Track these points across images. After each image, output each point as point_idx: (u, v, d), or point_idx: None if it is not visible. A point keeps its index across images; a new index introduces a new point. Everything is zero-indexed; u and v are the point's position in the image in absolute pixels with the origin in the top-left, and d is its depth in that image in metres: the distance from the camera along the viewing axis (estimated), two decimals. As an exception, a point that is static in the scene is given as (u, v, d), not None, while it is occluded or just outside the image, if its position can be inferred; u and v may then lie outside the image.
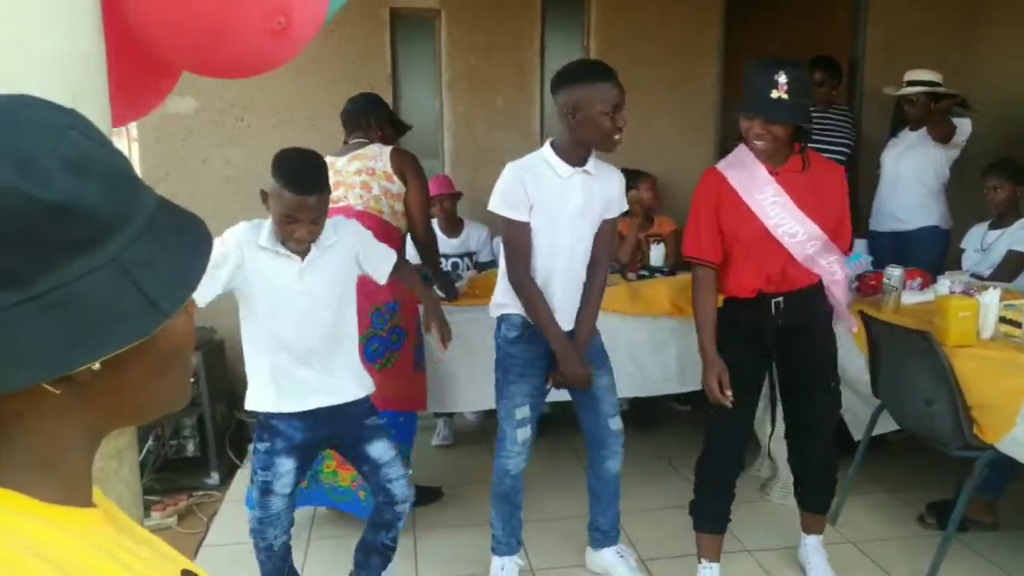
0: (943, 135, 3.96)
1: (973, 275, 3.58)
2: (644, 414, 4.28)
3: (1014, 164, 3.76)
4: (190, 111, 4.21)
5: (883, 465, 3.56)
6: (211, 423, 3.70)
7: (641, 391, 3.52)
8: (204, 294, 2.17)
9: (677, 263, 3.99)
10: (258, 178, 4.33)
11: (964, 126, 3.99)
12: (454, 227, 4.21)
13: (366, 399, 2.38)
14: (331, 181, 2.95)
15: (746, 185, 2.46)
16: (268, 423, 2.28)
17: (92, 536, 0.64)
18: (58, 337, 0.57)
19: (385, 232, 2.95)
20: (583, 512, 2.92)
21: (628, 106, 2.45)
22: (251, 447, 3.84)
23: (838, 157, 4.32)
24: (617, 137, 2.41)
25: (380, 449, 2.36)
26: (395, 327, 3.01)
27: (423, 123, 4.39)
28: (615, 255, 3.97)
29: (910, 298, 3.22)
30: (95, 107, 1.53)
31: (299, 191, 2.11)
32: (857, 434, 3.21)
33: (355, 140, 3.19)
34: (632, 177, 4.22)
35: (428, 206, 3.18)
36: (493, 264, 4.13)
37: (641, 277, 3.72)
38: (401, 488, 2.39)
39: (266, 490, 2.28)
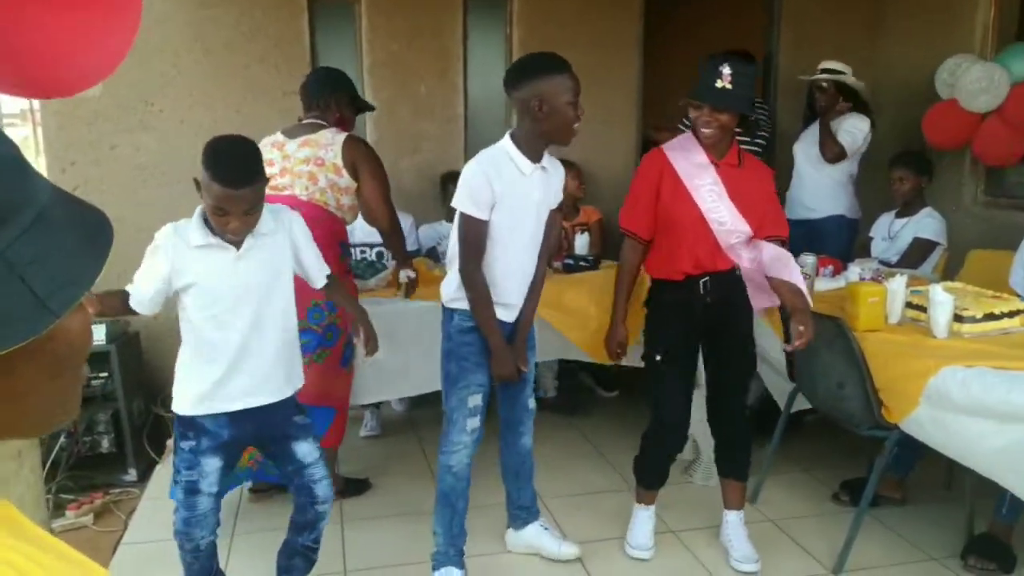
0: (834, 156, 4.12)
1: (881, 262, 3.74)
2: (571, 400, 4.33)
3: (918, 155, 3.94)
4: (95, 94, 4.02)
5: (800, 446, 3.70)
6: (127, 418, 3.58)
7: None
8: (150, 305, 2.16)
9: (601, 252, 4.04)
10: (171, 164, 4.22)
11: (861, 129, 4.12)
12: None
13: (294, 397, 2.33)
14: (278, 167, 2.92)
15: (687, 170, 2.62)
16: (193, 421, 2.20)
17: None
18: None
19: (330, 225, 2.90)
20: (496, 501, 2.94)
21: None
22: (170, 442, 3.75)
23: (755, 149, 4.45)
24: (576, 127, 2.46)
25: (305, 449, 2.31)
26: (331, 324, 2.96)
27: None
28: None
29: (823, 285, 3.34)
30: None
31: (230, 184, 2.01)
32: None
33: (309, 119, 3.04)
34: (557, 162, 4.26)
35: (387, 194, 3.05)
36: (417, 253, 4.10)
37: (566, 266, 3.75)
38: (324, 489, 2.34)
39: (192, 489, 2.21)
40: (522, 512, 2.91)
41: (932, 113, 4.19)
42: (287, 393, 2.29)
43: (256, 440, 2.34)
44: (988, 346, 2.58)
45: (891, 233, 3.95)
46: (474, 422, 2.62)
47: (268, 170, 2.85)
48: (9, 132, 0.62)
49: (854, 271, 3.34)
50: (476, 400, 2.61)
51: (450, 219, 4.18)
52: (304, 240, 2.32)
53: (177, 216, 2.24)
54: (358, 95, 3.21)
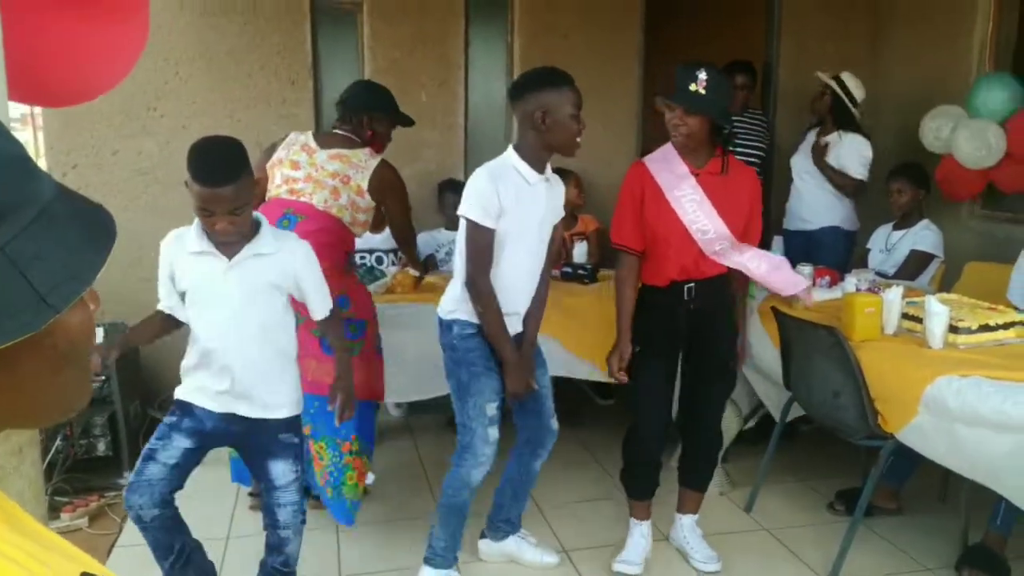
0: (855, 190, 4.15)
1: (878, 274, 3.74)
2: (568, 408, 4.32)
3: (916, 168, 3.95)
4: (100, 99, 4.04)
5: (795, 455, 3.70)
6: (123, 421, 3.58)
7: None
8: (179, 308, 2.25)
9: (600, 261, 4.05)
10: (172, 170, 4.23)
11: (867, 156, 4.14)
12: (379, 223, 4.17)
13: (289, 418, 2.30)
14: (303, 172, 2.88)
15: (667, 181, 2.64)
16: (184, 402, 2.24)
17: None
18: None
19: (340, 233, 2.90)
20: (480, 509, 2.94)
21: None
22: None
23: (753, 160, 4.46)
24: (579, 140, 2.48)
25: (280, 470, 2.27)
26: (349, 319, 2.87)
27: (346, 117, 4.34)
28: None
29: (819, 295, 3.35)
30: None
31: (208, 183, 2.01)
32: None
33: (343, 131, 3.00)
34: (557, 175, 4.27)
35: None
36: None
37: (564, 274, 3.77)
38: (286, 515, 2.29)
39: (149, 456, 2.19)
40: (507, 525, 2.91)
41: (941, 172, 4.12)
42: (272, 415, 2.25)
43: (236, 444, 2.35)
44: (983, 357, 2.58)
45: (888, 245, 3.97)
46: (494, 432, 2.59)
47: (291, 173, 2.87)
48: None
49: (851, 282, 3.35)
50: (493, 408, 2.57)
51: (448, 227, 4.22)
52: (308, 271, 2.27)
53: (177, 221, 2.26)
54: (398, 111, 3.16)
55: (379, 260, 4.00)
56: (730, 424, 3.26)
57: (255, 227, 2.18)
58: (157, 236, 2.26)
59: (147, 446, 2.23)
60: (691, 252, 2.65)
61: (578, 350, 3.36)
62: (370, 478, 3.29)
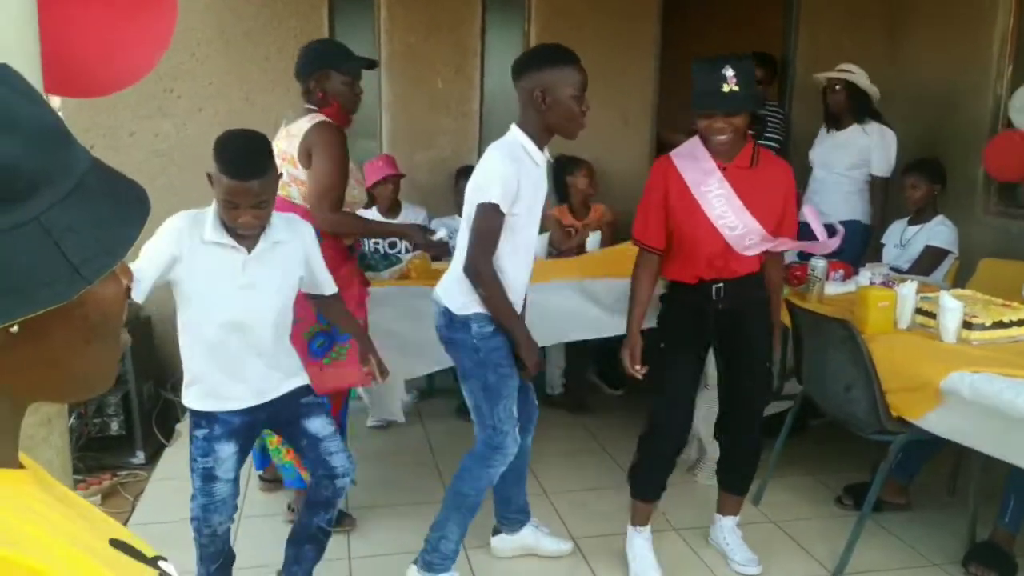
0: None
1: (892, 268, 3.73)
2: (576, 397, 4.34)
3: (932, 164, 3.92)
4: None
5: (804, 449, 3.69)
6: (137, 401, 3.62)
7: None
8: (141, 291, 2.09)
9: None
10: (188, 151, 4.25)
11: (892, 148, 4.12)
12: (393, 209, 4.18)
13: (300, 386, 2.33)
14: None
15: (694, 177, 2.55)
16: (203, 411, 2.23)
17: (19, 496, 0.62)
18: None
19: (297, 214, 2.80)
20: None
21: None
22: (178, 426, 3.79)
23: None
24: (583, 121, 2.41)
25: (319, 424, 2.31)
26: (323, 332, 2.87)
27: (362, 102, 4.35)
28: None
29: (833, 289, 3.34)
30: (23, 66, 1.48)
31: (237, 176, 2.02)
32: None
33: (307, 105, 2.83)
34: (569, 164, 4.27)
35: (329, 193, 2.68)
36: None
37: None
38: (342, 461, 2.31)
39: (209, 476, 2.21)
40: (520, 515, 2.90)
41: (993, 150, 4.05)
42: (286, 389, 2.29)
43: (269, 424, 2.35)
44: (996, 353, 2.58)
45: (903, 240, 3.94)
46: (517, 431, 2.58)
47: None
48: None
49: (864, 275, 3.34)
50: (515, 407, 2.55)
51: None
52: (315, 251, 2.32)
53: (194, 202, 2.25)
54: (344, 60, 2.82)
55: (392, 245, 4.01)
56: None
57: None
58: (172, 216, 2.24)
59: (199, 466, 2.22)
60: (720, 249, 2.56)
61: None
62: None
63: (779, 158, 2.81)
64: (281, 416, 2.31)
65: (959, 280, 3.80)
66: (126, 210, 0.65)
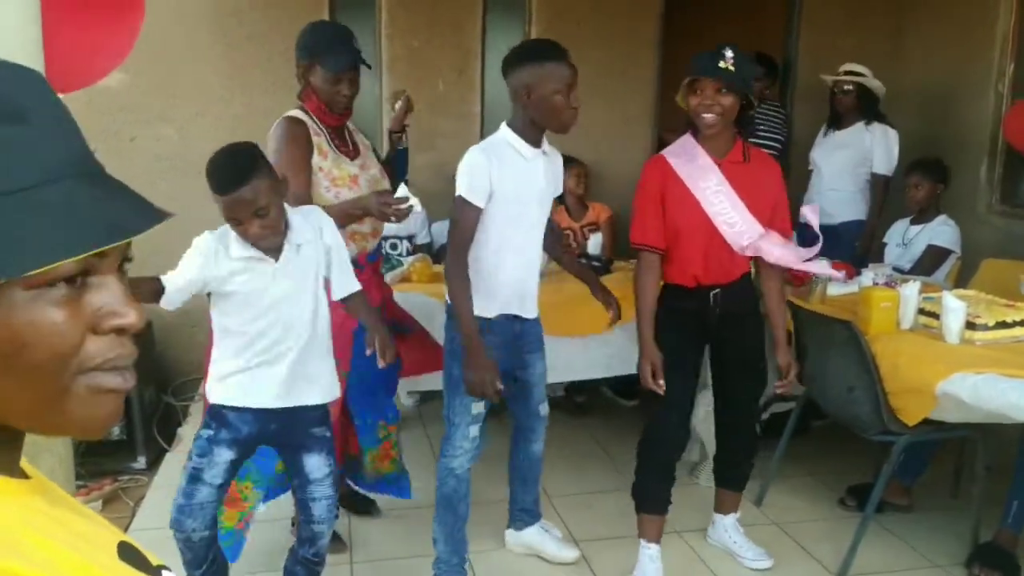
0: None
1: (895, 268, 3.72)
2: (578, 399, 4.33)
3: (934, 163, 3.92)
4: (119, 85, 4.07)
5: (807, 450, 3.69)
6: (138, 406, 3.61)
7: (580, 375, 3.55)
8: (173, 302, 2.13)
9: (613, 253, 4.04)
10: (189, 156, 4.24)
11: (894, 148, 4.13)
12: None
13: (321, 407, 2.29)
14: None
15: (690, 174, 2.52)
16: (219, 411, 2.21)
17: (22, 506, 0.62)
18: None
19: None
20: (501, 496, 2.94)
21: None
22: (179, 431, 3.78)
23: (770, 151, 4.44)
24: (572, 117, 2.40)
25: (315, 463, 2.27)
26: (390, 320, 2.73)
27: (362, 104, 4.33)
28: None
29: (835, 289, 3.33)
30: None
31: (221, 190, 2.01)
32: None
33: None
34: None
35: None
36: (430, 249, 4.12)
37: (578, 265, 3.76)
38: (321, 509, 2.29)
39: (195, 477, 2.19)
40: (524, 514, 2.90)
41: (1015, 119, 4.00)
42: (313, 400, 2.25)
43: (274, 441, 2.32)
44: (999, 353, 2.57)
45: (905, 240, 3.94)
46: (475, 430, 2.56)
47: None
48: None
49: (867, 276, 3.33)
50: (479, 407, 2.54)
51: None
52: (336, 244, 2.26)
53: (195, 208, 2.24)
54: (329, 59, 2.55)
55: (393, 247, 4.01)
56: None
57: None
58: (175, 223, 2.20)
59: (191, 464, 2.20)
60: (718, 248, 2.54)
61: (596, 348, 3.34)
62: None
63: (768, 155, 2.81)
64: (288, 438, 2.28)
65: (961, 280, 3.79)
66: (89, 226, 0.58)
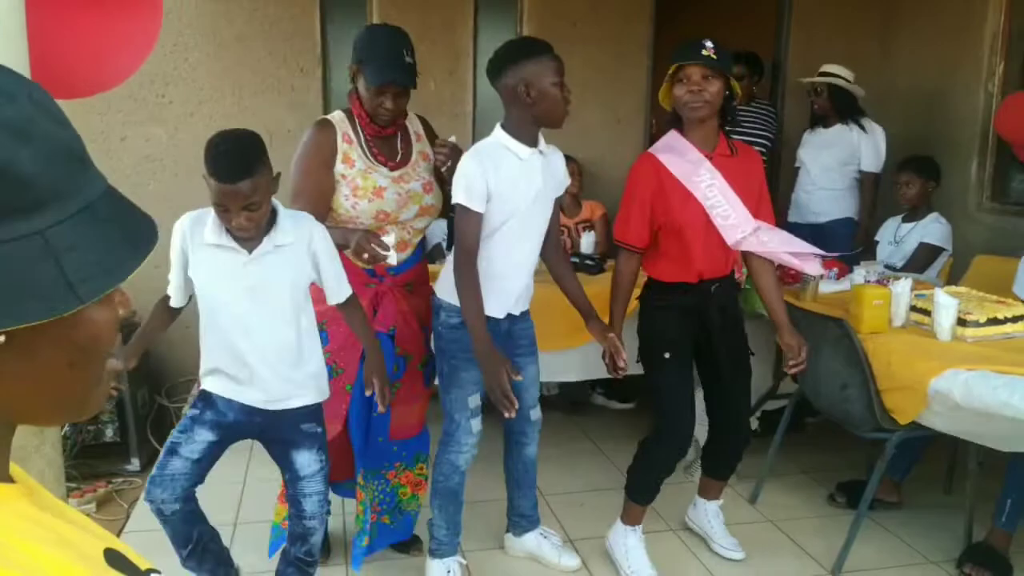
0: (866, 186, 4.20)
1: (887, 266, 3.74)
2: (571, 398, 4.33)
3: (925, 161, 3.93)
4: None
5: (801, 447, 3.70)
6: (131, 408, 3.60)
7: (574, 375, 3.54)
8: (177, 296, 2.21)
9: (607, 250, 4.04)
10: (180, 157, 4.24)
11: (881, 144, 4.15)
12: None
13: (312, 406, 2.27)
14: None
15: (682, 169, 2.53)
16: (208, 394, 2.22)
17: (10, 511, 0.62)
18: None
19: None
20: (500, 496, 2.94)
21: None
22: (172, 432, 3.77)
23: (759, 148, 4.45)
24: (566, 108, 2.42)
25: (305, 459, 2.26)
26: (397, 356, 2.64)
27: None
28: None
29: (827, 287, 3.34)
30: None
31: (222, 179, 1.99)
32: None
33: None
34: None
35: (295, 197, 2.47)
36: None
37: (571, 265, 3.75)
38: (312, 505, 2.28)
39: (172, 450, 2.19)
40: (522, 520, 2.89)
41: (1011, 103, 3.98)
42: (295, 404, 2.23)
43: (259, 436, 2.32)
44: (991, 350, 2.58)
45: (897, 238, 3.95)
46: (477, 423, 2.58)
47: None
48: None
49: (859, 274, 3.35)
50: (476, 400, 2.55)
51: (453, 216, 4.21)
52: (325, 252, 2.22)
53: (185, 208, 2.24)
54: (368, 63, 2.45)
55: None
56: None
57: (272, 216, 2.14)
58: (166, 223, 2.19)
59: (170, 439, 2.21)
60: (714, 242, 2.56)
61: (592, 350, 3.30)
62: None
63: (750, 147, 2.81)
64: (276, 434, 2.27)
65: (953, 277, 3.81)
66: (132, 239, 0.65)
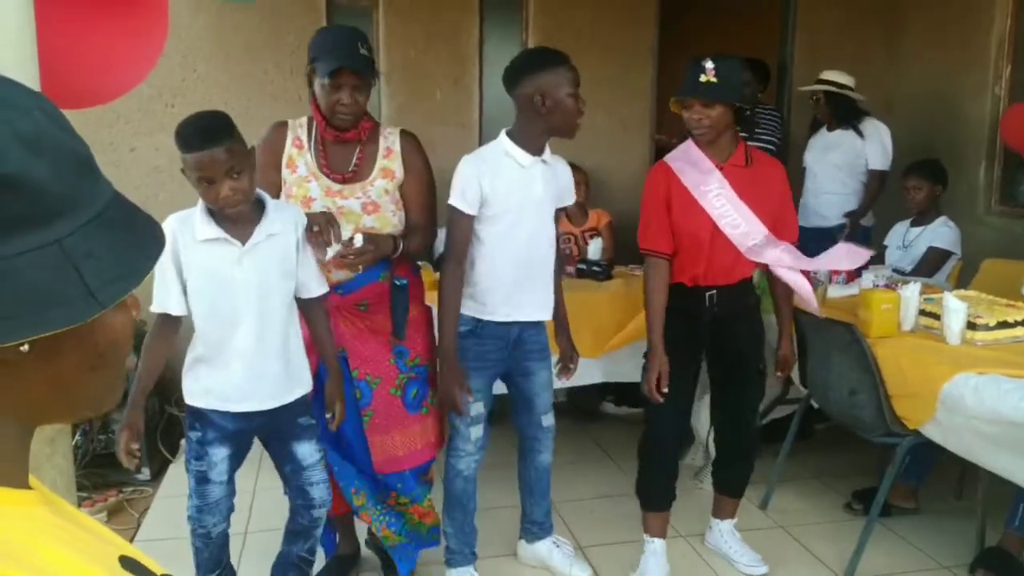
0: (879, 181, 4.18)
1: (895, 270, 3.72)
2: (581, 405, 4.33)
3: (933, 165, 3.92)
4: (118, 97, 4.08)
5: (811, 453, 3.69)
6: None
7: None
8: (178, 305, 2.13)
9: (614, 257, 4.05)
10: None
11: (886, 141, 4.14)
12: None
13: (301, 398, 2.27)
14: None
15: (693, 179, 2.55)
16: (200, 411, 2.21)
17: (29, 516, 0.63)
18: None
19: None
20: (515, 502, 2.93)
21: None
22: (183, 442, 3.77)
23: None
24: (579, 118, 2.45)
25: (307, 450, 2.28)
26: (357, 380, 2.50)
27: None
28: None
29: (836, 292, 3.34)
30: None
31: (196, 146, 1.98)
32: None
33: None
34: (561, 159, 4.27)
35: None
36: (430, 256, 4.11)
37: (579, 272, 3.76)
38: (320, 492, 2.31)
39: (202, 479, 2.22)
40: (534, 527, 2.88)
41: (1016, 111, 4.00)
42: (289, 399, 2.23)
43: (261, 435, 2.32)
44: (1001, 354, 2.57)
45: (906, 242, 3.94)
46: (477, 431, 2.58)
47: None
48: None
49: (868, 278, 3.34)
50: (478, 408, 2.56)
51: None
52: (306, 243, 2.23)
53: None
54: (320, 57, 2.31)
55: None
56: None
57: (260, 206, 2.13)
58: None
59: (193, 468, 2.22)
60: (722, 251, 2.56)
61: (591, 353, 3.31)
62: None
63: (772, 158, 2.83)
64: (275, 430, 2.28)
65: (962, 281, 3.80)
66: (142, 243, 0.67)
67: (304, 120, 2.47)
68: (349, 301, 2.44)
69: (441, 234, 4.23)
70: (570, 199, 2.68)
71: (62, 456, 1.70)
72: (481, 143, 4.58)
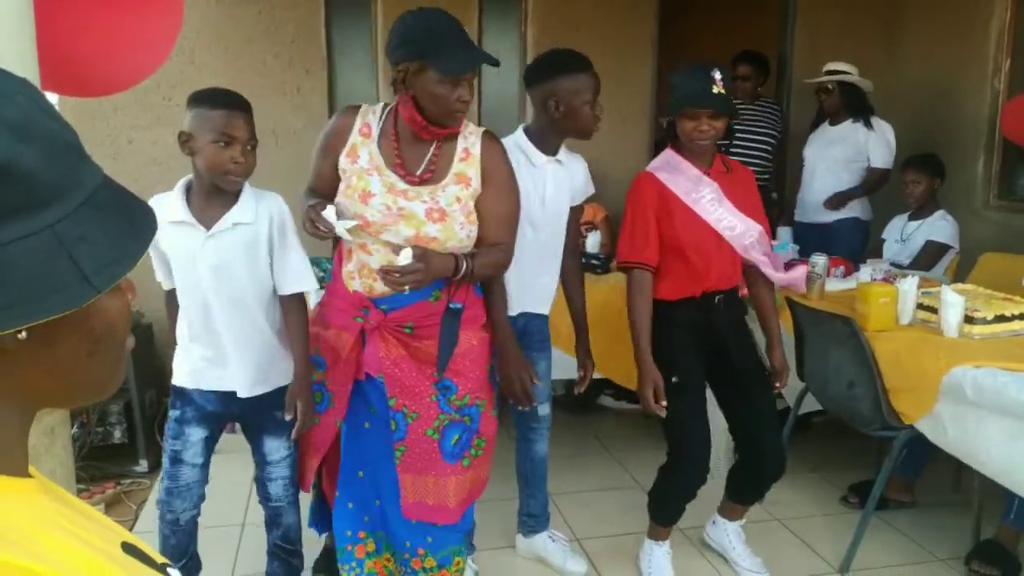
0: (881, 178, 4.18)
1: (893, 264, 3.73)
2: (579, 398, 4.33)
3: (931, 159, 3.92)
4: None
5: (809, 446, 3.70)
6: (139, 409, 3.61)
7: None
8: (166, 278, 2.20)
9: (612, 250, 4.04)
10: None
11: (891, 140, 4.14)
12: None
13: (276, 392, 2.22)
14: None
15: (683, 187, 2.50)
16: (182, 390, 2.22)
17: (29, 504, 0.63)
18: None
19: None
20: (513, 495, 2.94)
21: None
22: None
23: (764, 146, 4.46)
24: (595, 124, 2.46)
25: (273, 446, 2.28)
26: (465, 406, 2.25)
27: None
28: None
29: (833, 285, 3.34)
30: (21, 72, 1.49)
31: (224, 104, 2.03)
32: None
33: None
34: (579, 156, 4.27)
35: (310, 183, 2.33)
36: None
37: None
38: (278, 489, 2.30)
39: (176, 459, 2.21)
40: (531, 520, 2.89)
41: (1017, 103, 4.00)
42: (265, 388, 2.21)
43: (239, 420, 2.33)
44: (998, 347, 2.58)
45: (904, 235, 3.94)
46: (544, 408, 2.62)
47: None
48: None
49: (866, 272, 3.34)
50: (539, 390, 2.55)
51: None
52: (284, 237, 2.15)
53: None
54: (438, 54, 2.07)
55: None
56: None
57: (235, 193, 2.12)
58: None
59: (168, 448, 2.22)
60: (723, 256, 2.53)
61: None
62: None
63: (740, 164, 2.75)
64: (251, 419, 2.29)
65: (960, 274, 3.80)
66: (134, 226, 0.67)
67: (379, 108, 2.21)
68: (392, 320, 2.16)
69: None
70: (585, 193, 2.68)
71: (62, 446, 1.70)
72: (480, 136, 4.59)
